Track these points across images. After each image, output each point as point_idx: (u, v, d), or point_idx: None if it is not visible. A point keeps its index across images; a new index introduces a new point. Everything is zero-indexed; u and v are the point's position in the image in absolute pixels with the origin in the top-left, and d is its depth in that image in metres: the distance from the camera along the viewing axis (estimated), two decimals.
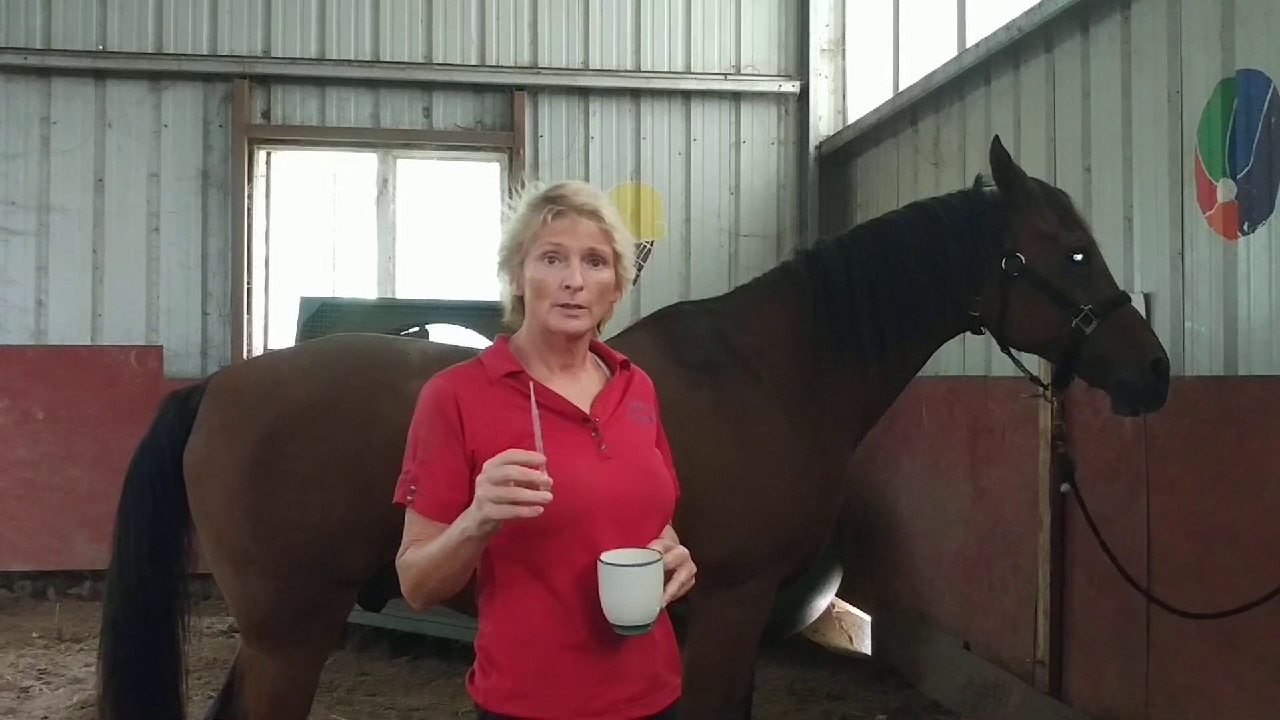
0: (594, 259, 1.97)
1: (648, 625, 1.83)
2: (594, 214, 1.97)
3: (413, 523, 1.94)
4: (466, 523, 1.77)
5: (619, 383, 2.11)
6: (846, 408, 3.36)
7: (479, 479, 1.75)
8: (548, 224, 1.95)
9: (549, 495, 1.72)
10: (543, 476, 1.72)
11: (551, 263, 1.95)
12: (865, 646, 6.71)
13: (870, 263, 3.32)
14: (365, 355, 3.14)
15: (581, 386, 2.06)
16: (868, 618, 6.81)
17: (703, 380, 3.21)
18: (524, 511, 1.71)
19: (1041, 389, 3.60)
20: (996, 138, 3.39)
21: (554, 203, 1.97)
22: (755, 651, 3.36)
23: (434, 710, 5.23)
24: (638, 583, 1.80)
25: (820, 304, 3.31)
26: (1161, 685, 4.01)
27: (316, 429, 2.96)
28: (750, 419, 3.20)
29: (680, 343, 3.30)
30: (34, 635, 6.45)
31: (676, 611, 2.06)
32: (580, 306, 1.95)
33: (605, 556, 1.82)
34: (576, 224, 1.95)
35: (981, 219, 3.31)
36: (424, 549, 1.86)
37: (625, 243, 2.02)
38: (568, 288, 1.94)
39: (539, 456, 1.74)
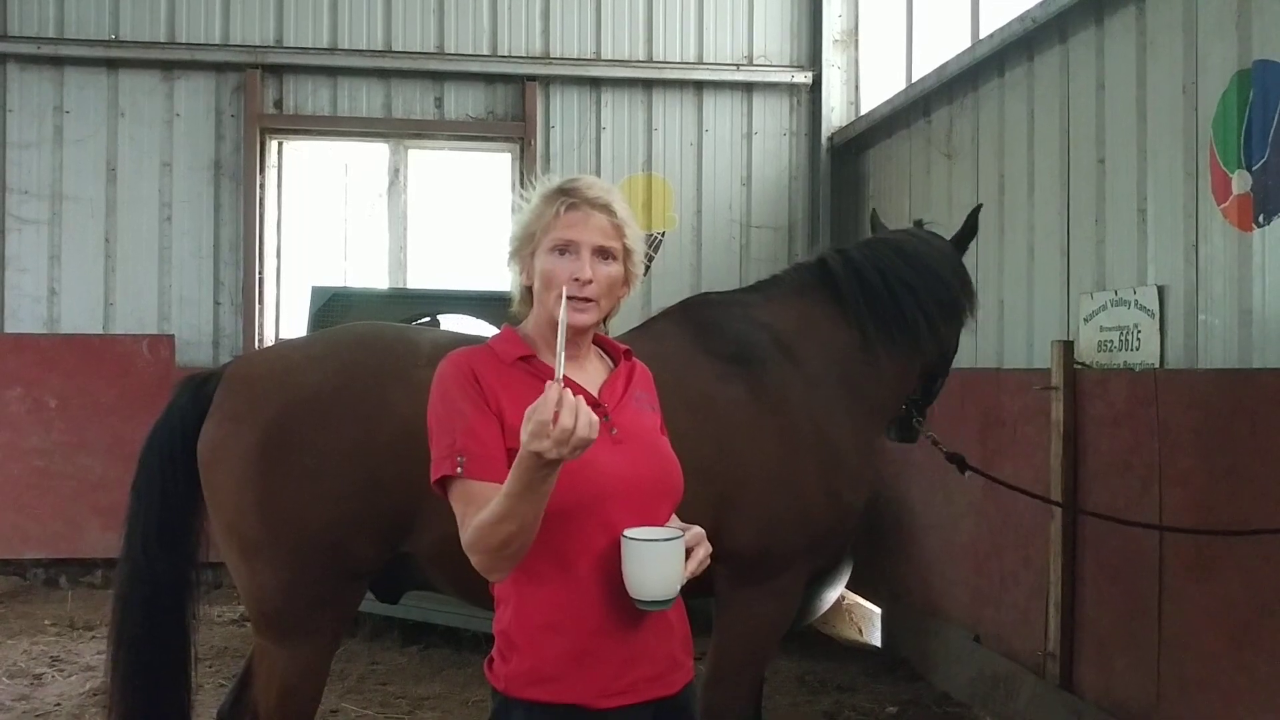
0: (604, 254, 1.99)
1: (670, 600, 1.87)
2: (606, 208, 1.99)
3: (468, 493, 1.84)
4: (529, 469, 1.64)
5: (623, 371, 2.13)
6: (883, 398, 3.39)
7: (529, 427, 1.61)
8: (560, 216, 1.97)
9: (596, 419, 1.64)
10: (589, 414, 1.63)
11: (562, 255, 1.96)
12: (875, 639, 6.70)
13: (899, 266, 3.51)
14: (376, 344, 3.14)
15: (588, 375, 2.08)
16: (878, 610, 6.80)
17: (734, 371, 3.18)
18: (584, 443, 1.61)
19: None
20: (979, 206, 3.92)
21: (568, 195, 1.98)
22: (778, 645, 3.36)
23: (445, 699, 5.25)
24: (662, 557, 1.84)
25: (863, 297, 3.38)
26: (1173, 678, 3.99)
27: (325, 417, 2.95)
28: (787, 411, 3.18)
29: (709, 332, 3.28)
30: (46, 623, 6.48)
31: (695, 605, 2.09)
32: (588, 299, 1.97)
33: (628, 532, 1.86)
34: (589, 217, 1.97)
35: (961, 267, 3.75)
36: (492, 507, 1.73)
37: (635, 239, 2.05)
38: (577, 280, 1.94)
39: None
